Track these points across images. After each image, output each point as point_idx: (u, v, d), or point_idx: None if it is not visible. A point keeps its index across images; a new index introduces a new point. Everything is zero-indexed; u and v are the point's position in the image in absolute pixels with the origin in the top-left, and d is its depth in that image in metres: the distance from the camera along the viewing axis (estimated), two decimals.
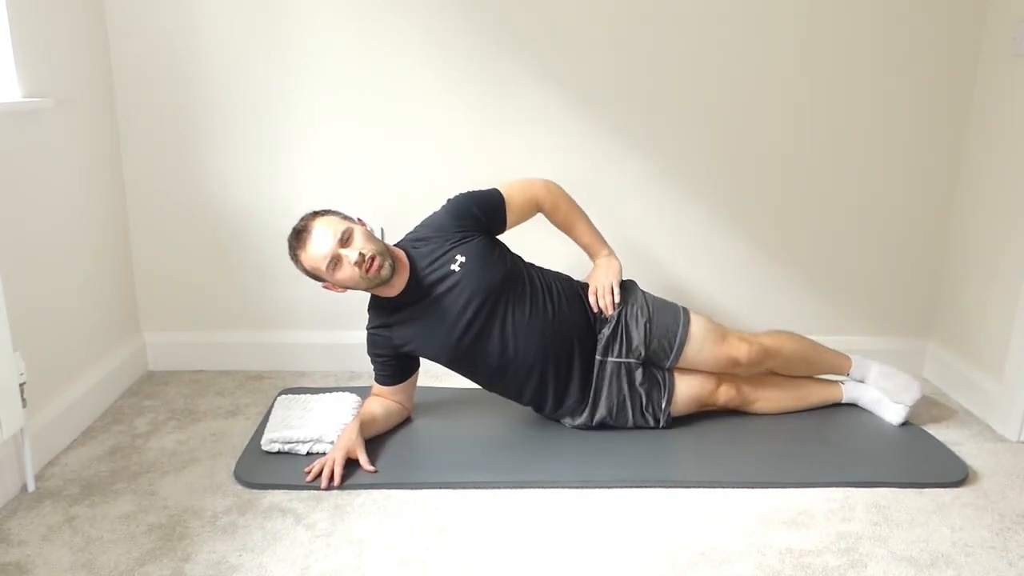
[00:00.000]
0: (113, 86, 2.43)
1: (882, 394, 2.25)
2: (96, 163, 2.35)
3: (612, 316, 2.11)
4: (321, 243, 1.93)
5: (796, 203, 2.57)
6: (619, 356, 2.10)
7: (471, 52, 2.42)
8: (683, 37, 2.43)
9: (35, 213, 2.03)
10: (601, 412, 2.12)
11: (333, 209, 2.03)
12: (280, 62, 2.42)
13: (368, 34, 2.41)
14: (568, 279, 2.19)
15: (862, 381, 2.31)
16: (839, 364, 2.30)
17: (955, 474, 1.99)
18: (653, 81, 2.46)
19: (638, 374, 2.11)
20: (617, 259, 2.18)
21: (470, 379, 2.17)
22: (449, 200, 2.10)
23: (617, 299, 2.12)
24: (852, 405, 2.32)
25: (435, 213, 2.10)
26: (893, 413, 2.22)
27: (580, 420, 2.14)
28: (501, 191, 2.10)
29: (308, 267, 1.97)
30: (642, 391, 2.11)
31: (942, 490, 1.93)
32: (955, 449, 2.12)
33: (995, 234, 2.36)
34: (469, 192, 2.09)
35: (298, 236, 1.97)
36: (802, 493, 1.91)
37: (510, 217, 2.09)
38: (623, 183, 2.51)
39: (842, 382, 2.32)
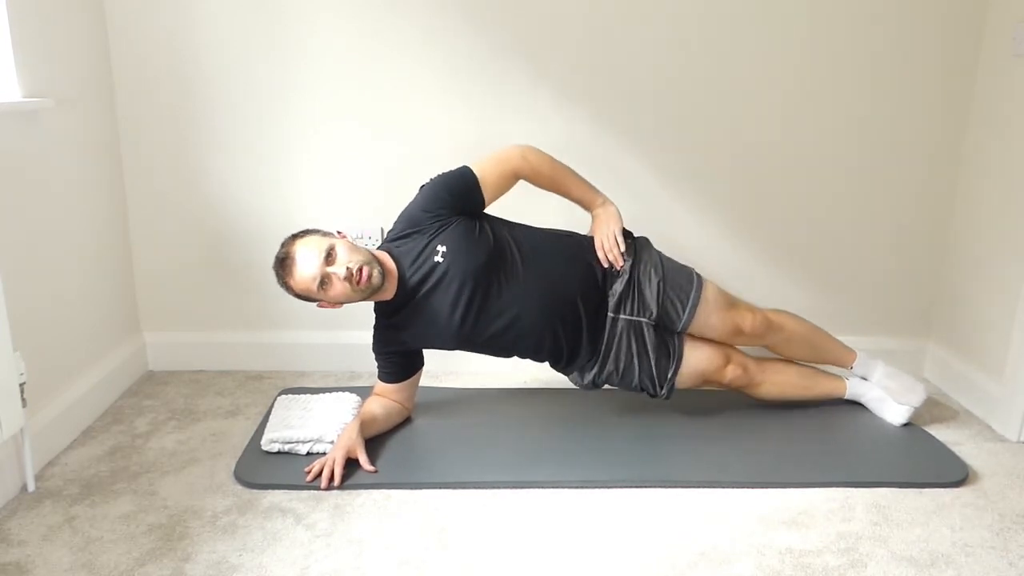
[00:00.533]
0: (113, 86, 2.43)
1: (886, 394, 2.24)
2: (96, 163, 2.35)
3: (624, 270, 2.09)
4: (306, 266, 1.92)
5: (796, 203, 2.57)
6: (631, 314, 2.08)
7: (471, 52, 2.42)
8: (684, 36, 2.43)
9: (35, 213, 2.03)
10: (609, 368, 2.10)
11: (311, 229, 2.03)
12: (280, 62, 2.42)
13: (368, 34, 2.41)
14: (567, 236, 2.16)
15: (865, 378, 2.31)
16: (842, 355, 2.30)
17: (955, 474, 1.99)
18: (654, 81, 2.46)
19: (650, 335, 2.09)
20: (613, 204, 2.14)
21: (485, 354, 2.15)
22: (422, 187, 2.07)
23: (622, 247, 2.09)
24: (853, 403, 2.32)
25: (410, 204, 2.07)
26: (896, 413, 2.22)
27: (589, 376, 2.12)
28: (473, 169, 2.05)
29: (299, 291, 1.97)
30: (652, 355, 2.09)
31: (942, 490, 1.94)
32: (955, 449, 2.12)
33: (995, 234, 2.36)
34: (440, 176, 2.06)
35: (282, 264, 1.96)
36: (802, 493, 1.91)
37: (487, 194, 2.05)
38: (623, 182, 2.50)
39: (846, 378, 2.32)
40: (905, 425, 2.22)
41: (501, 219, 2.12)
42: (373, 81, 2.44)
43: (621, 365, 2.10)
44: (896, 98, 2.48)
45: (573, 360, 2.12)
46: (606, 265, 2.10)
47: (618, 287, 2.08)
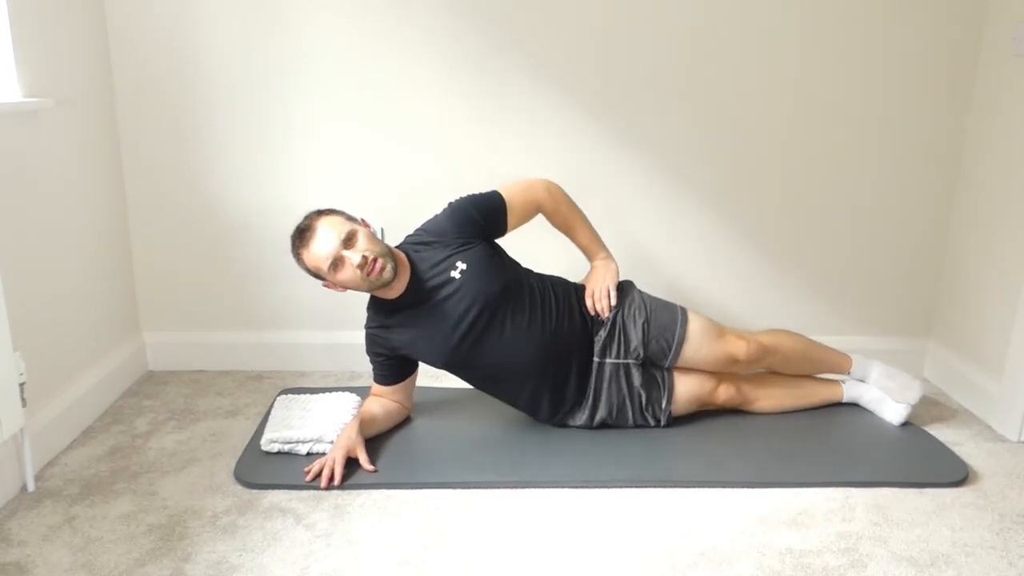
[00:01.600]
0: (113, 86, 2.43)
1: (884, 393, 2.24)
2: (96, 163, 2.35)
3: (608, 318, 2.11)
4: (324, 243, 1.92)
5: (796, 204, 2.57)
6: (617, 357, 2.10)
7: (471, 53, 2.42)
8: (682, 38, 2.43)
9: (35, 213, 2.03)
10: (601, 413, 2.12)
11: (337, 209, 2.03)
12: (280, 62, 2.42)
13: (368, 34, 2.41)
14: (564, 283, 2.18)
15: (862, 380, 2.30)
16: (839, 363, 2.30)
17: (955, 474, 1.99)
18: (653, 82, 2.46)
19: (636, 375, 2.11)
20: (615, 261, 2.18)
21: (465, 381, 2.17)
22: (450, 204, 2.08)
23: (614, 302, 2.12)
24: (852, 405, 2.32)
25: (436, 216, 2.09)
26: (894, 412, 2.22)
27: (581, 421, 2.14)
28: (502, 194, 2.08)
29: (310, 266, 1.97)
30: (642, 391, 2.11)
31: (942, 490, 1.94)
32: (955, 449, 2.12)
33: (995, 234, 2.36)
34: (470, 196, 2.08)
35: (301, 235, 1.97)
36: (802, 493, 1.91)
37: (511, 220, 2.08)
38: (622, 184, 2.51)
39: (843, 381, 2.32)
40: (905, 425, 2.22)
41: (512, 259, 2.14)
42: (373, 81, 2.44)
43: (614, 408, 2.12)
44: (896, 98, 2.48)
45: (556, 411, 2.13)
46: (592, 313, 2.12)
47: (603, 333, 2.11)
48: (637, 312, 2.12)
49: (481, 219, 2.05)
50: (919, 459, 2.07)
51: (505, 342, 2.03)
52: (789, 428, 2.20)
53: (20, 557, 1.64)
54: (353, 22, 2.40)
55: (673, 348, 2.11)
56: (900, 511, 1.85)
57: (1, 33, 1.89)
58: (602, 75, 2.45)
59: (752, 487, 1.93)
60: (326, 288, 2.03)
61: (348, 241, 1.93)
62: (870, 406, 2.28)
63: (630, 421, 2.14)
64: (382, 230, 2.50)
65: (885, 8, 2.41)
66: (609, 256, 2.19)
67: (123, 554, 1.65)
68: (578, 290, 2.18)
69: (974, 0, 2.39)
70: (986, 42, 2.41)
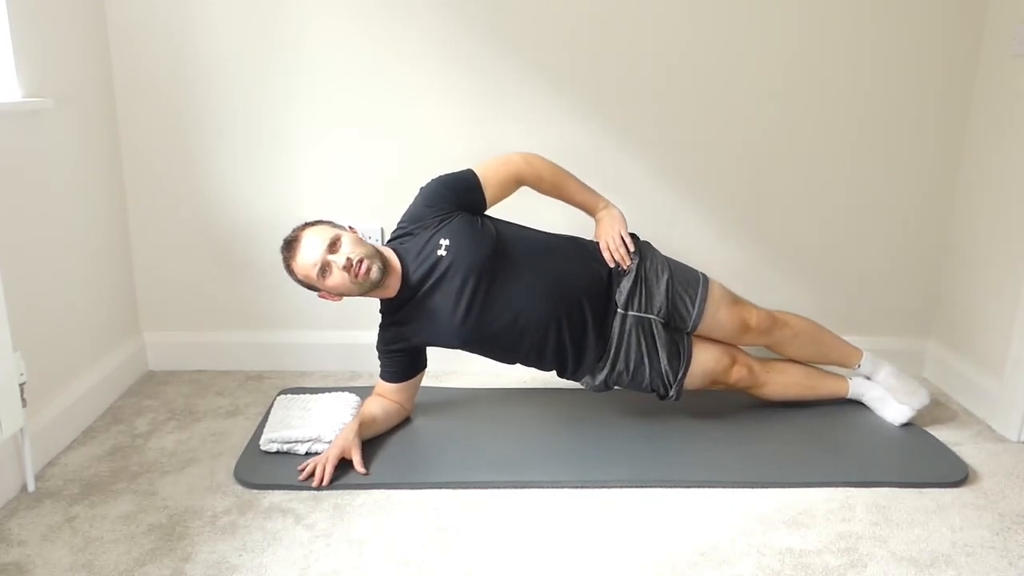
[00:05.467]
0: (113, 86, 2.43)
1: (888, 393, 2.25)
2: (96, 163, 2.35)
3: (631, 267, 2.09)
4: (310, 252, 1.93)
5: (796, 203, 2.57)
6: (640, 311, 2.07)
7: (472, 57, 2.42)
8: (683, 37, 2.43)
9: (35, 213, 2.03)
10: (619, 367, 2.10)
11: (324, 219, 2.04)
12: (281, 62, 2.42)
13: (369, 36, 2.41)
14: (572, 239, 2.16)
15: (869, 378, 2.31)
16: (848, 355, 2.30)
17: (955, 474, 1.99)
18: (655, 81, 2.46)
19: (659, 333, 2.08)
20: (617, 208, 2.15)
21: (491, 358, 2.15)
22: (421, 188, 2.07)
23: (631, 247, 2.10)
24: (854, 402, 2.32)
25: (411, 204, 2.08)
26: (896, 412, 2.22)
27: (600, 377, 2.11)
28: (476, 171, 2.06)
29: (300, 276, 1.98)
30: (663, 353, 2.09)
31: (942, 490, 1.94)
32: (955, 449, 2.12)
33: (995, 234, 2.36)
34: (440, 176, 2.07)
35: (289, 247, 1.98)
36: (802, 493, 1.91)
37: (489, 195, 2.06)
38: (623, 184, 2.51)
39: (850, 378, 2.32)
40: (905, 425, 2.22)
41: (504, 220, 2.12)
42: (374, 82, 2.44)
43: (631, 365, 2.10)
44: (896, 98, 2.48)
45: (580, 365, 2.11)
46: (612, 265, 2.09)
47: (625, 284, 2.08)
48: (660, 268, 2.10)
49: (454, 195, 2.03)
50: (919, 459, 2.07)
51: (512, 304, 2.01)
52: (789, 428, 2.20)
53: (20, 557, 1.64)
54: (354, 23, 2.39)
55: (697, 305, 2.10)
56: (900, 511, 1.85)
57: (1, 33, 1.89)
58: (602, 76, 2.45)
59: (752, 487, 1.93)
60: (322, 299, 2.03)
61: (332, 246, 1.93)
62: (872, 404, 2.28)
63: (646, 380, 2.11)
64: (382, 230, 2.50)
65: (885, 9, 2.40)
66: (609, 205, 2.15)
67: (123, 554, 1.65)
68: (592, 244, 2.15)
69: (974, 0, 2.39)
70: (986, 42, 2.41)
